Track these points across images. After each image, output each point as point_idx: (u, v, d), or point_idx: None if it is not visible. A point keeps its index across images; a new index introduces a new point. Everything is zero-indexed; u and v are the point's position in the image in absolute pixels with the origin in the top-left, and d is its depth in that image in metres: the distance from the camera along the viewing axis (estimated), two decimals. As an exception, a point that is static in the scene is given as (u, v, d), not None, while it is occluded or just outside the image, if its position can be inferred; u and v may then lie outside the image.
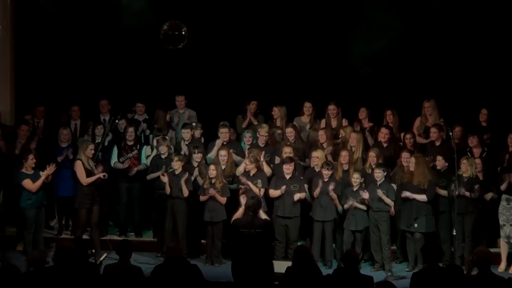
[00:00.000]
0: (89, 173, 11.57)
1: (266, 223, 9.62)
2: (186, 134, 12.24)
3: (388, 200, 11.22)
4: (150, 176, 11.93)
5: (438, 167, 11.53)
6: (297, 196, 11.29)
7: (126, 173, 12.22)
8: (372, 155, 11.62)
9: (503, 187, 11.29)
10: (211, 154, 12.07)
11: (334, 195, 11.34)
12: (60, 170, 11.98)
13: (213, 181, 11.48)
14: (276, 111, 12.82)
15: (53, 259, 8.58)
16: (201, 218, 11.57)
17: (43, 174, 11.27)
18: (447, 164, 11.52)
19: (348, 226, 11.34)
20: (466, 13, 13.53)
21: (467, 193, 11.13)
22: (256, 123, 12.77)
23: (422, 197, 11.19)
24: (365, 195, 11.22)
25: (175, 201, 11.58)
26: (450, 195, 11.29)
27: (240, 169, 11.73)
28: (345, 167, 11.67)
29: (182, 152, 12.02)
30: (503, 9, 13.39)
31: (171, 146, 12.19)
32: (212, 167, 11.47)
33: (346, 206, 11.33)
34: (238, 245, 9.61)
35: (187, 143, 12.19)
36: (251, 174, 11.52)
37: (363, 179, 11.38)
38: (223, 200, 11.49)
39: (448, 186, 11.34)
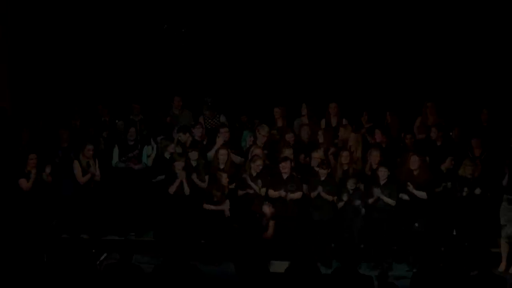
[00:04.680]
0: (85, 173, 11.75)
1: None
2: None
3: (389, 201, 11.23)
4: (157, 179, 11.97)
5: (446, 167, 11.56)
6: (289, 196, 11.33)
7: (126, 172, 12.26)
8: (373, 155, 11.62)
9: (504, 181, 11.29)
10: (210, 153, 12.10)
11: (326, 196, 11.34)
12: (63, 170, 12.01)
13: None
14: (278, 112, 12.81)
15: (49, 259, 8.60)
16: (202, 218, 11.58)
17: (32, 174, 11.40)
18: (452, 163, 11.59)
19: (342, 226, 11.34)
20: (466, 13, 13.55)
21: (477, 190, 11.20)
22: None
23: (422, 194, 11.22)
24: (357, 202, 11.22)
25: (175, 201, 11.60)
26: (451, 195, 11.31)
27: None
28: (345, 167, 11.67)
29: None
30: (503, 9, 13.40)
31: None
32: (224, 175, 11.52)
33: (340, 205, 11.35)
34: None
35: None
36: (254, 174, 11.53)
37: (355, 185, 11.36)
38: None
39: (450, 186, 11.37)
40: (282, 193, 11.34)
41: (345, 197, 11.24)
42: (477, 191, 11.23)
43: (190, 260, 8.68)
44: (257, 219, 9.98)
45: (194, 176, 11.67)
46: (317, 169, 11.50)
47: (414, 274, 8.35)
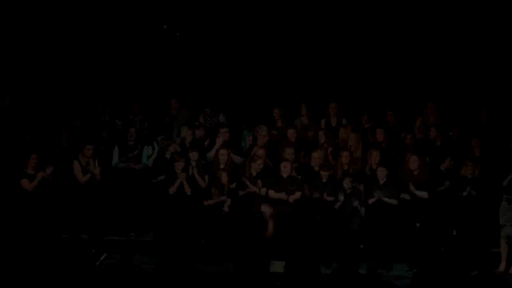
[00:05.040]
0: (86, 173, 11.83)
1: None
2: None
3: (391, 201, 11.23)
4: (157, 179, 11.98)
5: (445, 167, 11.57)
6: (291, 198, 11.34)
7: (126, 172, 12.26)
8: (373, 154, 11.62)
9: (505, 182, 11.30)
10: (210, 153, 12.10)
11: (330, 198, 11.35)
12: (63, 170, 12.03)
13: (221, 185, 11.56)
14: (277, 113, 12.82)
15: (49, 259, 8.61)
16: (202, 218, 11.58)
17: (38, 176, 11.42)
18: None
19: (342, 226, 11.33)
20: (466, 13, 13.56)
21: (475, 190, 11.23)
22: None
23: (423, 194, 11.23)
24: (355, 203, 11.22)
25: (175, 201, 11.60)
26: (451, 195, 11.32)
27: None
28: (345, 167, 11.67)
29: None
30: (503, 9, 13.40)
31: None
32: (223, 174, 11.50)
33: (337, 205, 11.35)
34: None
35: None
36: (254, 174, 11.53)
37: (351, 184, 11.36)
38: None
39: (450, 186, 11.38)
40: (283, 195, 11.34)
41: (341, 197, 11.24)
42: (475, 191, 11.22)
43: (190, 260, 8.67)
44: (257, 219, 9.97)
45: (195, 172, 11.67)
46: (317, 169, 11.50)
47: (414, 274, 8.34)
